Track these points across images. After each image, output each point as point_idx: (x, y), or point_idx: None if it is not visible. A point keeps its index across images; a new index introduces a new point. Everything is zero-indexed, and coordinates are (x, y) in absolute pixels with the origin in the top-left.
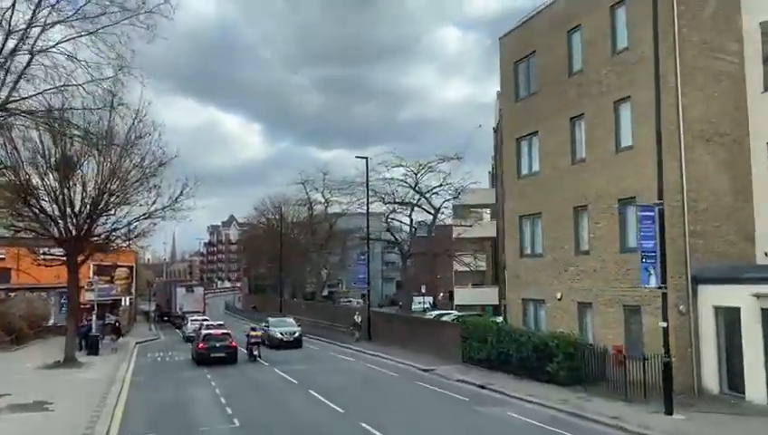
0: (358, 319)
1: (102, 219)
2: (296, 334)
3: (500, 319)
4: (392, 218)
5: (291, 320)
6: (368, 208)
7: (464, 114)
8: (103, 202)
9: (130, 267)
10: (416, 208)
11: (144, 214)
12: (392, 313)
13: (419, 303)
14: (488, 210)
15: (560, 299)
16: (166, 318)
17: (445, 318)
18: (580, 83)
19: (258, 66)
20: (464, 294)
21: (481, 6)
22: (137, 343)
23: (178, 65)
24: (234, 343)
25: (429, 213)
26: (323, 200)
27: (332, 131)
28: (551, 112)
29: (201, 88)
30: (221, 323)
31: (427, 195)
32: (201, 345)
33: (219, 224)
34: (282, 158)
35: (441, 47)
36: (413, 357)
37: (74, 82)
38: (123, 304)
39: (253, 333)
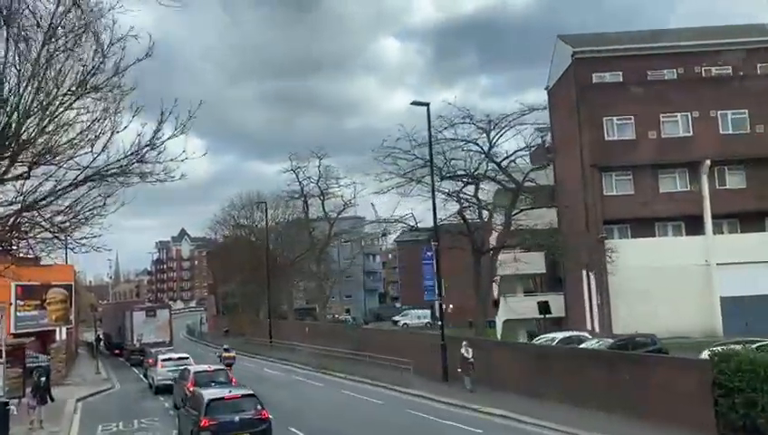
0: (468, 353)
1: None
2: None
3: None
4: (464, 199)
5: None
6: (432, 181)
7: (409, 125)
8: (11, 131)
9: (68, 287)
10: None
11: (89, 169)
12: (502, 341)
13: (418, 317)
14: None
15: None
16: (117, 351)
17: (591, 345)
18: None
19: (197, 80)
20: (515, 305)
21: (420, 18)
22: (78, 401)
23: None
24: (265, 413)
25: (505, 186)
26: (319, 192)
27: (277, 145)
28: None
29: (137, 102)
30: (220, 367)
31: (504, 163)
32: (207, 422)
33: (169, 239)
34: (226, 173)
35: (383, 58)
36: (593, 423)
37: None
38: (58, 337)
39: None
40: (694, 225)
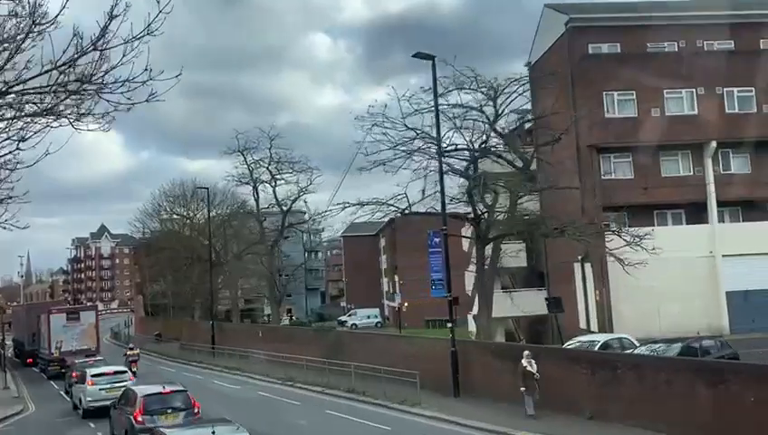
0: (532, 366)
1: None
2: None
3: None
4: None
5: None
6: (439, 148)
7: (339, 122)
8: None
9: None
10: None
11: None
12: (557, 348)
13: (368, 317)
14: None
15: None
16: (30, 360)
17: (641, 350)
18: None
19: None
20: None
21: (349, 14)
22: None
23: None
24: None
25: (513, 165)
26: (270, 177)
27: (201, 141)
28: None
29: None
30: (181, 387)
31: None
32: None
33: (87, 236)
34: (145, 169)
35: (312, 54)
36: None
37: None
38: None
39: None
40: (695, 213)
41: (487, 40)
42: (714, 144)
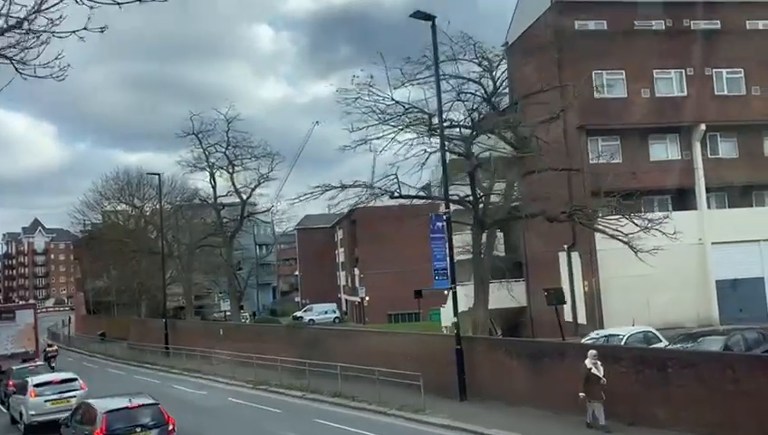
0: (596, 367)
1: None
2: None
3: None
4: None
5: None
6: (440, 118)
7: (282, 114)
8: None
9: None
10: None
11: None
12: (632, 346)
13: (325, 312)
14: None
15: None
16: None
17: (664, 344)
18: None
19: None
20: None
21: (293, 6)
22: None
23: None
24: None
25: (512, 144)
26: (227, 162)
27: (139, 133)
28: None
29: None
30: (151, 399)
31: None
32: None
33: (19, 232)
34: (81, 162)
35: (254, 45)
36: None
37: None
38: None
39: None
40: (681, 199)
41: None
42: (703, 127)
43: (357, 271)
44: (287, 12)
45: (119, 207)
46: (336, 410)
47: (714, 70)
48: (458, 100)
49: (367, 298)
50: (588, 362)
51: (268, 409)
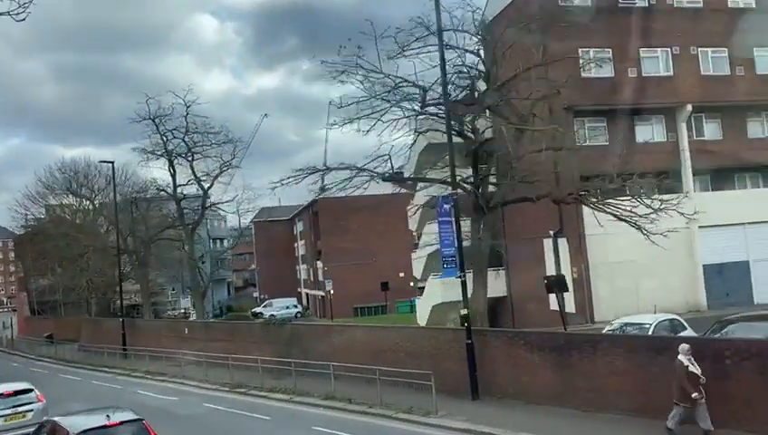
0: (695, 366)
1: None
2: None
3: None
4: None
5: None
6: (444, 90)
7: (228, 106)
8: None
9: None
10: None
11: None
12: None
13: (287, 307)
14: None
15: None
16: None
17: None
18: None
19: None
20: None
21: None
22: None
23: None
24: None
25: (511, 122)
26: (186, 150)
27: (79, 126)
28: None
29: None
30: (133, 414)
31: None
32: None
33: None
34: (15, 158)
35: (198, 36)
36: None
37: None
38: None
39: None
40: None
41: (394, 21)
42: (689, 108)
43: (320, 264)
44: (231, 2)
45: (64, 201)
46: (333, 414)
47: (699, 49)
48: (458, 73)
49: (331, 291)
50: (683, 359)
51: (254, 416)
